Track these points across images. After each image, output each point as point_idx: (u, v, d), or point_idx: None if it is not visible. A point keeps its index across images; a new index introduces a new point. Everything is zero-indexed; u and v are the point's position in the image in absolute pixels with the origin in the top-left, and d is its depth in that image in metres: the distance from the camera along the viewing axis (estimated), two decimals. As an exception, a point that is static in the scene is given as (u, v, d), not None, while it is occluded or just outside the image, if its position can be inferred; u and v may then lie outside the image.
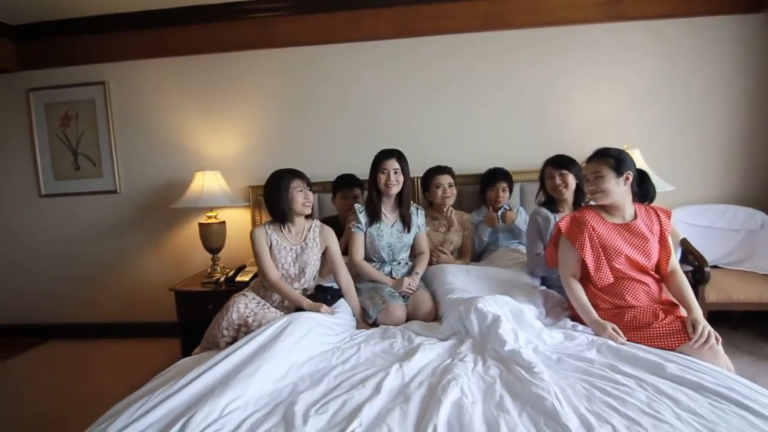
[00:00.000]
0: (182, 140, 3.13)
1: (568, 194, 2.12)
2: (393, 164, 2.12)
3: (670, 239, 1.79)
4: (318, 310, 1.80)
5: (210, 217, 2.85)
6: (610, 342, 1.54)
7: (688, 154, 2.88)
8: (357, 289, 2.17)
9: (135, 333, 3.23)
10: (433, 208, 2.50)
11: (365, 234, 2.19)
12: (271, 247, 1.93)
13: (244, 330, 1.71)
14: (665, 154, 2.84)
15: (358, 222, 2.15)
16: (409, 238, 2.24)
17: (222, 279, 2.66)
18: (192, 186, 2.83)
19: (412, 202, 2.27)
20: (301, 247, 1.98)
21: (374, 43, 2.97)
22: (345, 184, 2.56)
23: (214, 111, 3.10)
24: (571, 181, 2.12)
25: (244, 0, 2.93)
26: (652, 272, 1.76)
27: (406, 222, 2.20)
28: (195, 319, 2.44)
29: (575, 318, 1.86)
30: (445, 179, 2.45)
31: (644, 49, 2.86)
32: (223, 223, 2.87)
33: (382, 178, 2.12)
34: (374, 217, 2.16)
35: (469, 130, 2.99)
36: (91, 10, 2.97)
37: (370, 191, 2.19)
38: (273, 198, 1.93)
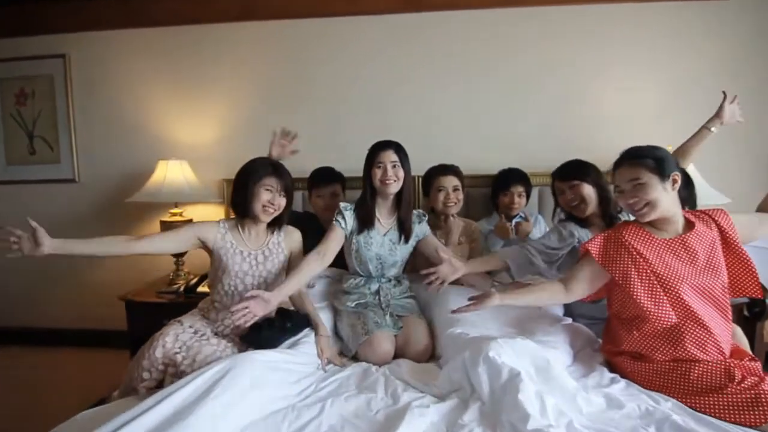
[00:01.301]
0: (151, 124, 2.72)
1: (590, 209, 1.68)
2: (390, 156, 1.71)
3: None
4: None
5: (174, 214, 2.44)
6: (674, 415, 1.10)
7: (745, 160, 2.42)
8: (337, 312, 1.75)
9: (87, 341, 2.82)
10: (434, 215, 2.05)
11: (351, 241, 1.76)
12: (219, 251, 1.55)
13: (171, 371, 1.30)
14: (716, 159, 2.38)
15: (342, 219, 1.73)
16: (404, 251, 1.81)
17: (181, 289, 2.25)
18: (153, 177, 2.42)
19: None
20: (263, 254, 1.59)
21: (375, 18, 2.54)
22: (321, 180, 2.12)
23: (187, 92, 2.69)
24: (589, 192, 1.67)
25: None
26: (724, 300, 1.32)
27: (404, 230, 1.78)
28: (149, 334, 2.03)
29: (611, 362, 1.44)
30: (450, 181, 2.01)
31: (692, 30, 2.40)
32: (190, 221, 2.46)
33: (378, 173, 1.71)
34: (366, 221, 1.74)
35: (480, 122, 2.55)
36: (50, -30, 2.58)
37: (364, 191, 1.77)
38: (237, 186, 1.56)
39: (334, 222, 1.73)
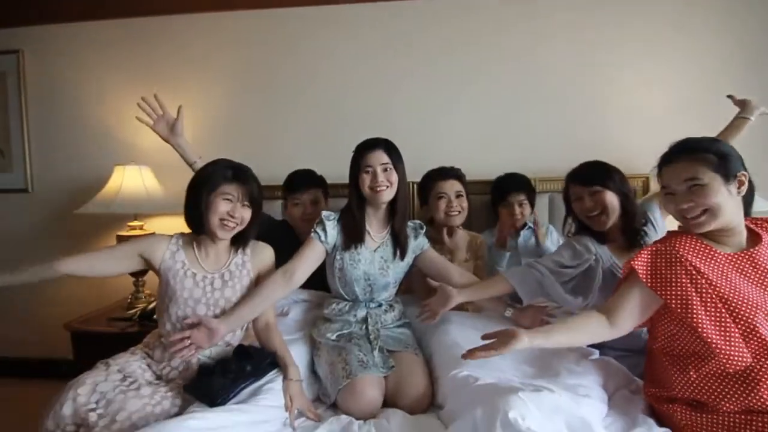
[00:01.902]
0: (112, 126, 2.41)
1: (612, 221, 1.39)
2: (380, 158, 1.42)
3: None
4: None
5: (132, 228, 2.12)
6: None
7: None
8: (315, 345, 1.44)
9: (31, 372, 2.46)
10: (433, 227, 1.75)
11: (333, 258, 1.46)
12: (166, 273, 1.28)
13: (84, 432, 0.98)
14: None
15: (323, 232, 1.43)
16: (398, 271, 1.51)
17: (137, 315, 1.92)
18: (107, 186, 2.11)
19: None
20: (221, 278, 1.31)
21: (368, 6, 2.28)
22: (299, 184, 1.82)
23: (151, 90, 2.38)
24: (612, 200, 1.39)
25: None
26: None
27: (399, 244, 1.48)
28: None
29: (658, 410, 1.14)
30: (451, 186, 1.73)
31: (724, 13, 2.13)
32: (152, 235, 2.14)
33: (366, 179, 1.42)
34: (353, 236, 1.44)
35: (483, 121, 2.27)
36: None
37: (350, 199, 1.48)
38: (189, 196, 1.29)
39: (311, 234, 1.44)
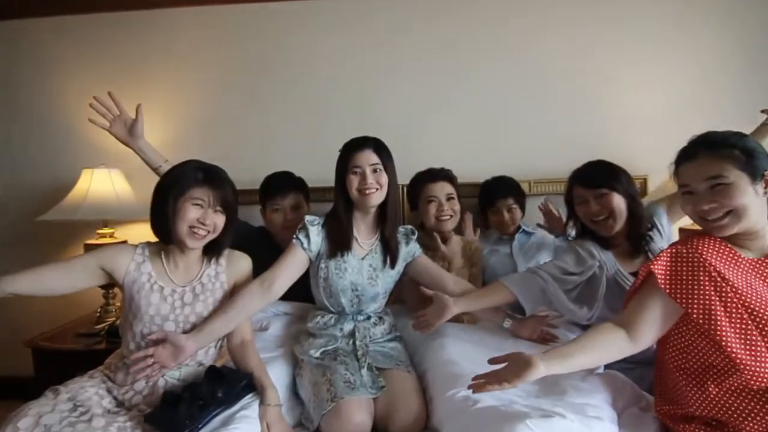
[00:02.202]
0: (80, 127, 2.25)
1: (619, 226, 1.30)
2: (369, 158, 1.32)
3: None
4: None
5: (102, 235, 1.97)
6: None
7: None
8: (297, 363, 1.31)
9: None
10: (424, 233, 1.63)
11: (317, 266, 1.34)
12: (130, 287, 1.15)
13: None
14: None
15: (306, 238, 1.32)
16: (388, 280, 1.40)
17: (104, 331, 1.77)
18: (74, 190, 1.95)
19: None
20: (192, 292, 1.19)
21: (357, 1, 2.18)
22: (278, 188, 1.69)
23: (124, 88, 2.23)
24: (619, 204, 1.30)
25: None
26: None
27: (390, 251, 1.37)
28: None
29: (668, 427, 1.05)
30: (441, 188, 1.63)
31: (724, 12, 2.08)
32: (124, 243, 1.99)
33: (354, 180, 1.31)
34: (339, 243, 1.33)
35: (473, 120, 2.18)
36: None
37: (336, 203, 1.36)
38: (156, 201, 1.17)
39: (293, 240, 1.32)
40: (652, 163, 1.96)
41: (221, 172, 1.20)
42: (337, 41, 2.20)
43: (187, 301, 1.18)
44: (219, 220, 1.17)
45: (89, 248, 1.92)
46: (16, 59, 2.31)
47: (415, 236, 1.46)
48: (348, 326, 1.34)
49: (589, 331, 1.00)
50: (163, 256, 1.20)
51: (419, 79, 2.18)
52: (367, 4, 2.18)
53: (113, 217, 1.93)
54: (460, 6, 2.16)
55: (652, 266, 0.98)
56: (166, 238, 1.16)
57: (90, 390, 1.07)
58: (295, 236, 1.33)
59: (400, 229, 1.43)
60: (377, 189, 1.30)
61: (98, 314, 1.95)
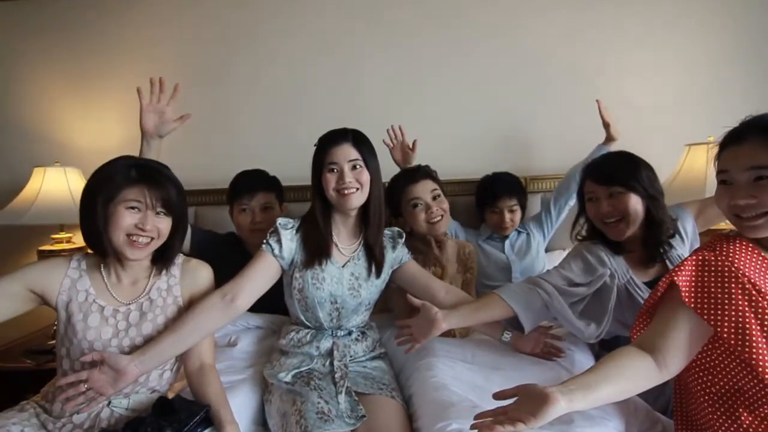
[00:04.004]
0: (33, 122, 2.07)
1: (632, 231, 1.14)
2: (348, 153, 1.15)
3: None
4: None
5: (58, 240, 1.79)
6: None
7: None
8: (267, 387, 1.15)
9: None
10: (414, 238, 1.45)
11: (291, 276, 1.18)
12: (63, 308, 0.99)
13: None
14: None
15: (277, 243, 1.16)
16: (372, 290, 1.23)
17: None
18: (24, 192, 1.77)
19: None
20: (139, 310, 1.02)
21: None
22: (245, 187, 1.51)
23: (81, 78, 2.06)
24: (635, 206, 1.13)
25: None
26: None
27: (374, 258, 1.21)
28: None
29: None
30: (425, 188, 1.44)
31: (721, 12, 1.97)
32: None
33: (331, 179, 1.15)
34: (317, 250, 1.17)
35: (461, 112, 2.03)
36: None
37: (313, 204, 1.20)
38: (84, 207, 0.99)
39: (262, 246, 1.16)
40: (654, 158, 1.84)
41: (160, 167, 1.02)
42: (310, 28, 2.03)
43: (132, 321, 1.01)
44: (162, 224, 1.00)
45: (43, 255, 1.74)
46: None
47: (403, 239, 1.30)
48: (326, 344, 1.18)
49: (610, 358, 0.85)
50: (102, 269, 1.03)
51: (400, 68, 2.02)
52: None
53: (68, 220, 1.74)
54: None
55: (674, 277, 0.84)
56: (101, 250, 0.99)
57: (13, 428, 0.91)
58: (264, 241, 1.17)
59: (386, 232, 1.27)
60: (357, 189, 1.14)
61: (54, 329, 1.76)
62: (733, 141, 0.84)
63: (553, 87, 2.01)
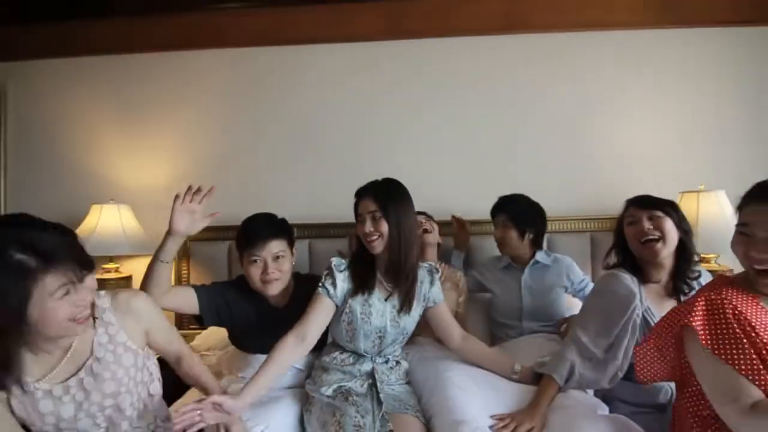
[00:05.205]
0: (92, 164, 2.31)
1: (665, 254, 1.26)
2: (368, 205, 1.30)
3: None
4: None
5: (107, 270, 1.98)
6: None
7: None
8: (307, 399, 1.30)
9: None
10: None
11: (342, 311, 1.31)
12: (8, 403, 0.92)
13: None
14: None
15: (332, 286, 1.30)
16: (409, 322, 1.36)
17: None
18: (83, 224, 1.98)
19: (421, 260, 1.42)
20: (90, 373, 0.96)
21: (356, 45, 2.29)
22: (256, 236, 1.39)
23: (135, 127, 2.32)
24: (671, 230, 1.26)
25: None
26: None
27: (406, 295, 1.33)
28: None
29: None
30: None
31: (716, 59, 2.18)
32: (129, 278, 2.00)
33: (360, 229, 1.32)
34: (362, 283, 1.31)
35: (475, 160, 2.25)
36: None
37: (359, 247, 1.36)
38: None
39: (319, 290, 1.29)
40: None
41: (61, 233, 0.90)
42: (338, 85, 2.29)
43: (89, 387, 0.94)
44: (90, 294, 0.90)
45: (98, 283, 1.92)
46: (27, 98, 2.39)
47: (439, 274, 1.43)
48: (366, 367, 1.31)
49: None
50: (30, 349, 0.91)
51: (421, 125, 2.26)
52: (368, 51, 2.28)
53: (119, 252, 1.94)
54: (458, 54, 2.26)
55: (689, 321, 0.92)
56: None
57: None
58: (321, 284, 1.30)
59: (424, 265, 1.40)
60: (377, 237, 1.28)
61: None
62: (759, 199, 0.90)
63: (555, 139, 2.22)
